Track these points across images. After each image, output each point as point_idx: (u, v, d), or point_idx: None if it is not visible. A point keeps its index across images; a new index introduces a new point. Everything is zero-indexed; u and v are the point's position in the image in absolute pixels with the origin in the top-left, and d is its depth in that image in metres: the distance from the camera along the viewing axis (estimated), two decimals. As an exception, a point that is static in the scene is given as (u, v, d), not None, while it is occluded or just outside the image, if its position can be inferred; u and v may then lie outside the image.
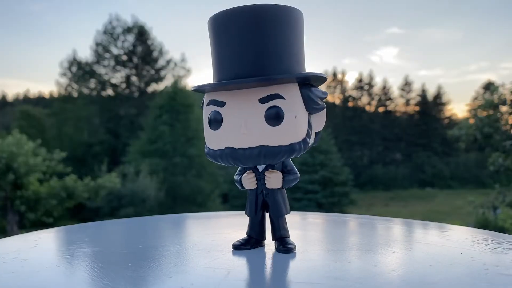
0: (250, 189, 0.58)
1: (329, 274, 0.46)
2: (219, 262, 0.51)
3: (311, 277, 0.45)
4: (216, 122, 0.55)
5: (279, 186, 0.57)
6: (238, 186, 0.59)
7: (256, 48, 0.52)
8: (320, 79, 0.55)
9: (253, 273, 0.48)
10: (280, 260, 0.53)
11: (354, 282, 0.43)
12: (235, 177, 0.60)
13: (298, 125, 0.54)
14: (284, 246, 0.56)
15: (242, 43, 0.53)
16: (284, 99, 0.53)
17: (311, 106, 0.55)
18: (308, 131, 0.55)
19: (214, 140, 0.56)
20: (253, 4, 0.53)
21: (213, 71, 0.57)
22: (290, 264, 0.51)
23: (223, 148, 0.54)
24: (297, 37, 0.55)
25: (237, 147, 0.53)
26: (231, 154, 0.54)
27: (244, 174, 0.58)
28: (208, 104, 0.56)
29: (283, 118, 0.53)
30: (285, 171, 0.57)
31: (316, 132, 0.57)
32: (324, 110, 0.57)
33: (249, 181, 0.57)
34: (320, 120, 0.57)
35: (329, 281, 0.44)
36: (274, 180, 0.56)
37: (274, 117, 0.53)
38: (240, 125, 0.53)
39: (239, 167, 0.59)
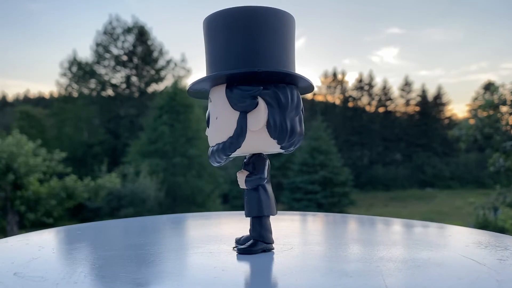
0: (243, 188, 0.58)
1: (329, 275, 0.46)
2: (219, 263, 0.51)
3: (311, 278, 0.45)
4: (207, 120, 0.59)
5: (243, 186, 0.56)
6: None
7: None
8: (239, 76, 0.53)
9: (253, 273, 0.48)
10: (280, 260, 0.53)
11: (354, 282, 0.43)
12: None
13: (221, 126, 0.55)
14: (240, 248, 0.55)
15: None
16: (211, 101, 0.57)
17: (236, 104, 0.54)
18: (236, 130, 0.54)
19: (208, 137, 0.59)
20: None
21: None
22: (290, 264, 0.51)
23: (211, 146, 0.58)
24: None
25: (211, 144, 0.58)
26: (210, 152, 0.57)
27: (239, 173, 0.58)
28: (209, 101, 0.59)
29: (209, 120, 0.57)
30: (252, 171, 0.56)
31: (278, 131, 0.54)
32: (260, 107, 0.53)
33: (238, 180, 0.57)
34: (255, 118, 0.53)
35: (329, 281, 0.44)
36: (239, 180, 0.56)
37: (207, 119, 0.58)
38: (210, 122, 0.58)
39: None
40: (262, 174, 0.55)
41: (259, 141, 0.54)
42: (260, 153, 0.57)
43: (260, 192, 0.56)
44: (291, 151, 0.59)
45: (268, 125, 0.54)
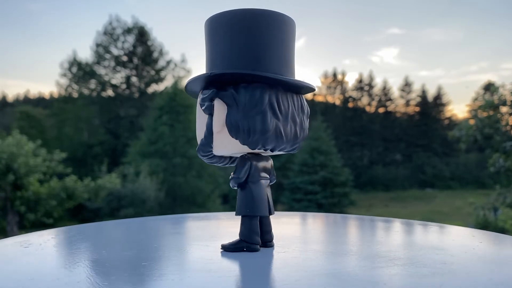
0: None
1: (329, 275, 0.46)
2: (219, 263, 0.51)
3: (311, 278, 0.45)
4: None
5: (231, 185, 0.59)
6: None
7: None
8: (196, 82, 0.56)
9: (253, 274, 0.48)
10: (281, 261, 0.53)
11: (354, 283, 0.43)
12: None
13: (198, 127, 0.60)
14: (223, 245, 0.58)
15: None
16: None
17: (202, 107, 0.56)
18: (205, 132, 0.57)
19: None
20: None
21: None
22: (291, 265, 0.51)
23: None
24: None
25: None
26: None
27: None
28: None
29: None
30: (234, 172, 0.58)
31: (246, 132, 0.54)
32: (216, 109, 0.55)
33: None
34: (215, 119, 0.55)
35: (329, 282, 0.44)
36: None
37: None
38: None
39: None
40: (239, 174, 0.57)
41: (227, 142, 0.55)
42: (244, 154, 0.58)
43: (246, 192, 0.57)
44: (284, 151, 0.57)
45: (227, 126, 0.55)
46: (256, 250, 0.56)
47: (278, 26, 0.56)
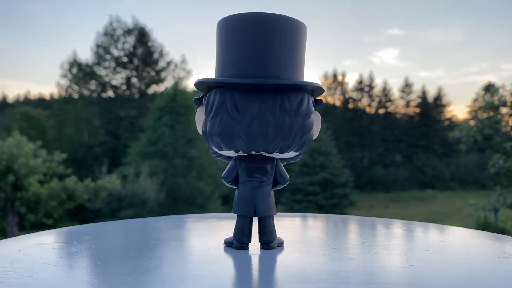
0: None
1: (329, 276, 0.46)
2: (220, 264, 0.51)
3: (311, 279, 0.45)
4: None
5: None
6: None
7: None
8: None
9: (253, 275, 0.48)
10: (282, 262, 0.53)
11: (354, 284, 0.43)
12: None
13: None
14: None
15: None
16: None
17: None
18: None
19: None
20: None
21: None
22: (291, 266, 0.51)
23: None
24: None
25: None
26: None
27: None
28: None
29: None
30: None
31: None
32: (196, 113, 0.61)
33: None
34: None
35: (329, 283, 0.44)
36: None
37: None
38: None
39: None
40: (224, 173, 0.60)
41: None
42: (235, 156, 0.59)
43: (236, 192, 0.60)
44: (268, 152, 0.55)
45: None
46: (238, 248, 0.58)
47: (241, 27, 0.55)
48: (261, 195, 0.58)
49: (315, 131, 0.61)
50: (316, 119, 0.60)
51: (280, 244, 0.60)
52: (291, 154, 0.58)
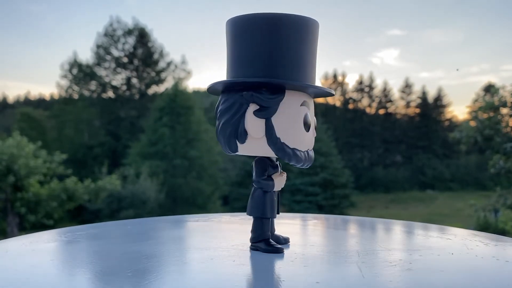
0: (273, 191, 0.57)
1: (329, 277, 0.46)
2: (220, 265, 0.51)
3: (311, 280, 0.45)
4: (307, 124, 0.56)
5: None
6: (267, 188, 0.56)
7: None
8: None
9: (254, 276, 0.48)
10: (281, 263, 0.53)
11: (354, 284, 0.43)
12: (263, 179, 0.57)
13: None
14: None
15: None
16: None
17: None
18: None
19: (305, 141, 0.57)
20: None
21: (268, 69, 0.55)
22: (292, 267, 0.51)
23: (305, 150, 0.57)
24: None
25: (310, 148, 0.58)
26: (309, 156, 0.57)
27: (281, 174, 0.58)
28: (302, 105, 0.56)
29: None
30: None
31: None
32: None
33: (283, 181, 0.58)
34: None
35: (329, 284, 0.44)
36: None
37: None
38: (313, 128, 0.58)
39: (259, 170, 0.57)
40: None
41: None
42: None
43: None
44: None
45: None
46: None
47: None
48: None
49: (250, 130, 0.54)
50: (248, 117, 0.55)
51: (271, 248, 0.57)
52: (248, 152, 0.56)
